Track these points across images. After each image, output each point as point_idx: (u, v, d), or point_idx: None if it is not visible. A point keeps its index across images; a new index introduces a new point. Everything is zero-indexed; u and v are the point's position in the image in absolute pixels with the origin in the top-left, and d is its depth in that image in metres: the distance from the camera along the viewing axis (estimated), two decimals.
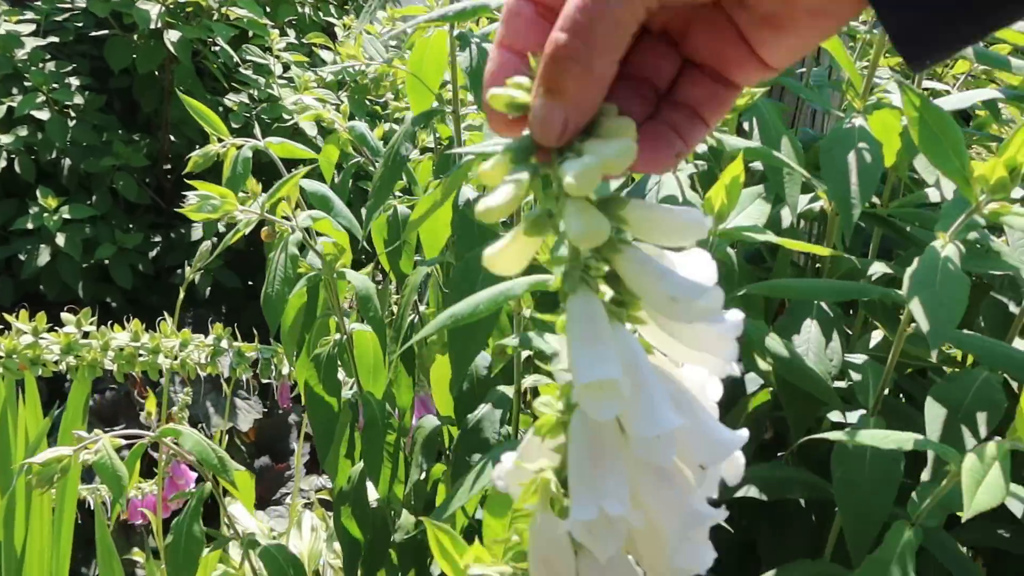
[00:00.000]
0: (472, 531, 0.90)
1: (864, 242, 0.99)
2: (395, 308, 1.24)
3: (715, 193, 0.69)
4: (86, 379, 1.23)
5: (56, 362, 1.20)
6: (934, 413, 0.75)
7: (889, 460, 0.75)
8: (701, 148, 0.86)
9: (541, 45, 0.36)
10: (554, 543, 0.43)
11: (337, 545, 1.80)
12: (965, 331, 0.76)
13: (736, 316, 0.41)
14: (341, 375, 1.00)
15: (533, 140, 0.37)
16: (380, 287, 1.16)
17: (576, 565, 0.43)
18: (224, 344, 1.24)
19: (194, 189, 2.57)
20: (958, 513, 0.76)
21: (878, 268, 0.85)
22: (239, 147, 1.01)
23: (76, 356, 1.20)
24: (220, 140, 1.05)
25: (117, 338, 1.21)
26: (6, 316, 1.20)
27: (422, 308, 1.08)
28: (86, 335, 1.22)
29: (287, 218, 0.91)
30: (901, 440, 0.66)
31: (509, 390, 0.87)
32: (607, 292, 0.40)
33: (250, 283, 2.79)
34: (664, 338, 0.42)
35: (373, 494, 1.05)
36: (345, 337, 0.95)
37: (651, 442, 0.39)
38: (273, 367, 1.27)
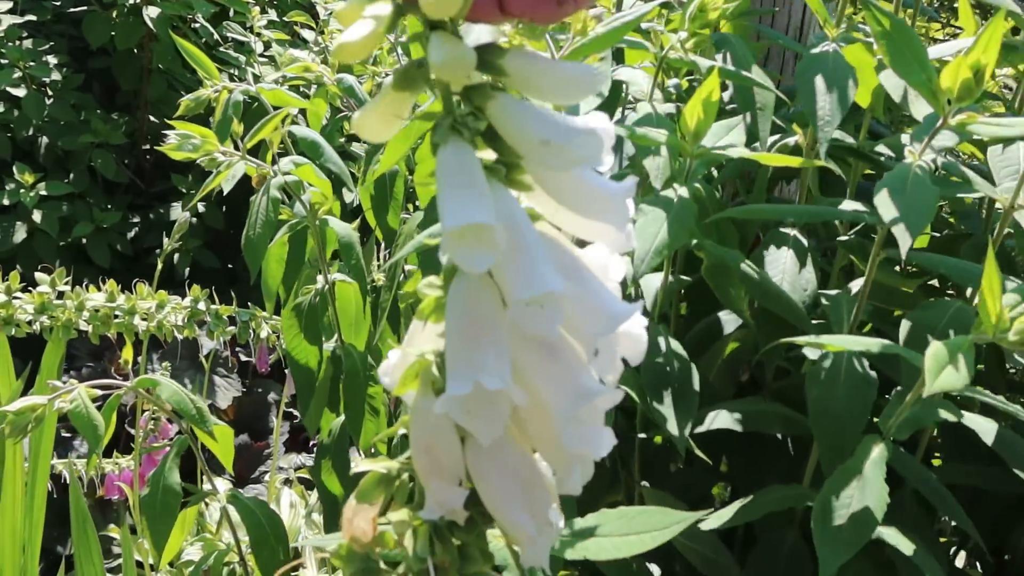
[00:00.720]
0: None
1: (841, 193, 0.98)
2: (378, 264, 1.22)
3: (690, 110, 0.68)
4: (60, 340, 1.20)
5: (30, 322, 1.17)
6: (909, 333, 0.74)
7: (861, 381, 0.73)
8: (673, 81, 0.85)
9: None
10: (435, 429, 0.39)
11: (317, 517, 1.79)
12: (939, 255, 0.76)
13: (630, 180, 0.39)
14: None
15: None
16: (365, 244, 1.14)
17: (463, 454, 0.40)
18: (201, 306, 1.22)
19: (170, 171, 2.52)
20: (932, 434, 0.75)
21: (851, 205, 0.84)
22: (230, 91, 0.99)
23: (50, 316, 1.17)
24: (213, 86, 1.02)
25: (92, 299, 1.19)
26: None
27: (408, 267, 1.07)
28: (61, 295, 1.19)
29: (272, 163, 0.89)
30: (868, 344, 0.65)
31: None
32: (488, 155, 0.37)
33: (230, 265, 2.76)
34: (552, 206, 0.39)
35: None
36: (327, 287, 0.93)
37: (530, 307, 0.35)
38: (251, 331, 1.25)
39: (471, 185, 0.35)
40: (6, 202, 2.33)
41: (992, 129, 0.66)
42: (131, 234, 2.63)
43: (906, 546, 0.69)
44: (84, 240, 2.46)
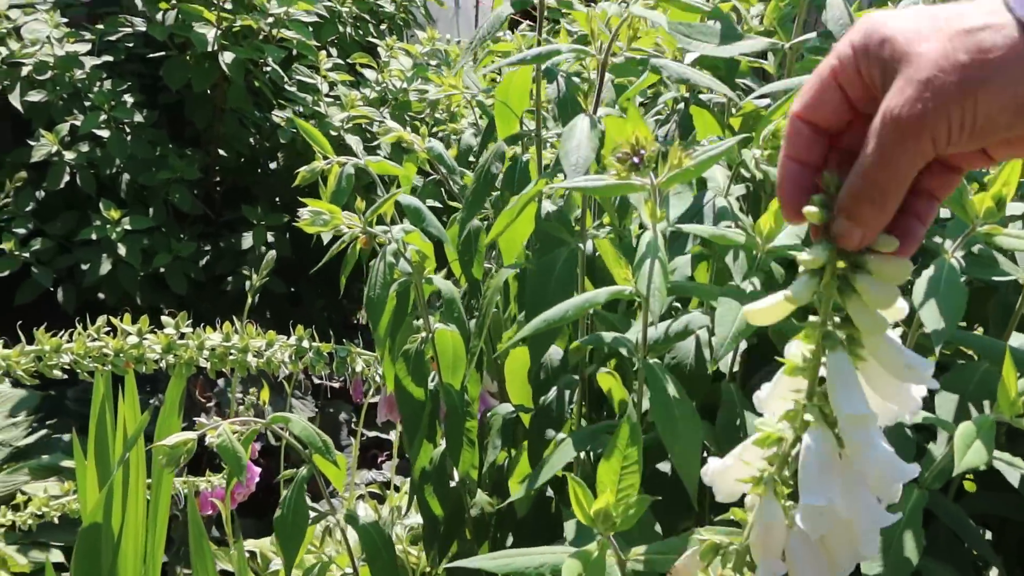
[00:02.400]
0: (542, 499, 1.03)
1: None
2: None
3: (764, 220, 0.82)
4: (182, 376, 1.37)
5: (157, 360, 1.33)
6: (943, 398, 0.87)
7: (903, 441, 0.87)
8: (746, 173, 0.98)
9: (820, 159, 0.53)
10: (776, 523, 0.62)
11: (395, 531, 1.93)
12: (968, 332, 0.89)
13: (929, 365, 0.60)
14: None
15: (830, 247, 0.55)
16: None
17: (787, 538, 0.62)
18: (305, 344, 1.37)
19: (239, 201, 2.69)
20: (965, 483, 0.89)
21: None
22: (342, 164, 1.13)
23: (175, 355, 1.33)
24: (325, 157, 1.17)
25: (211, 339, 1.34)
26: (112, 319, 1.33)
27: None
28: (182, 336, 1.35)
29: (384, 230, 1.04)
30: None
31: (575, 377, 1.00)
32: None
33: (292, 289, 2.92)
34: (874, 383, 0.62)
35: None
36: (430, 335, 1.07)
37: (870, 460, 0.59)
38: (348, 366, 1.40)
39: (855, 386, 0.58)
40: (93, 236, 2.50)
41: (1013, 242, 0.80)
42: (203, 261, 2.80)
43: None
44: (162, 269, 2.64)
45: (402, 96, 2.72)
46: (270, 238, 2.75)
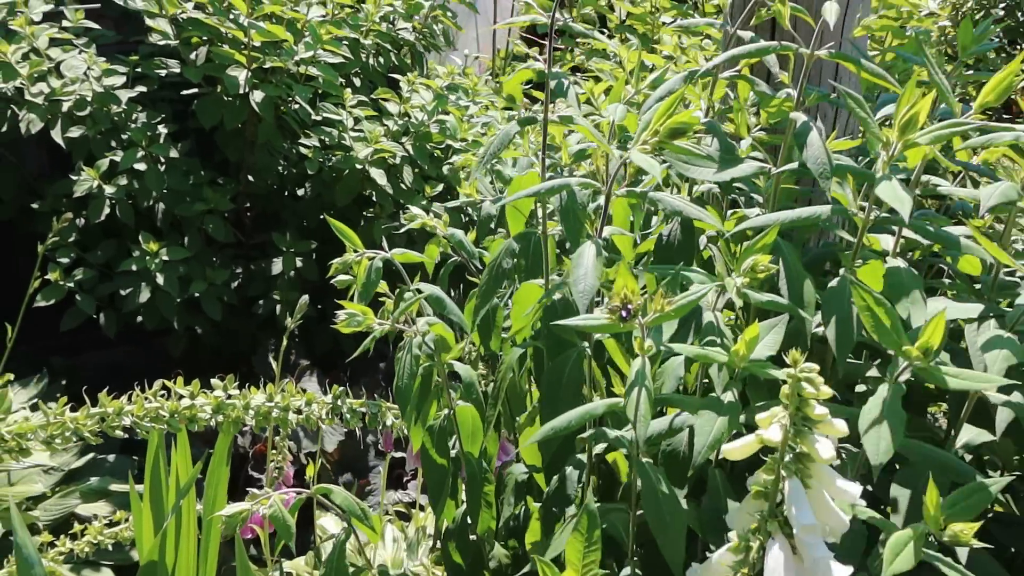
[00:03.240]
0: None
1: None
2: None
3: (740, 345, 0.95)
4: (230, 432, 1.52)
5: (207, 419, 1.48)
6: (898, 491, 1.00)
7: (857, 534, 1.01)
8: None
9: None
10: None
11: (421, 552, 2.09)
12: (912, 441, 1.02)
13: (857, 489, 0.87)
14: None
15: None
16: (470, 358, 1.43)
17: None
18: (340, 403, 1.52)
19: (268, 226, 2.81)
20: None
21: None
22: (371, 259, 1.26)
23: (223, 414, 1.48)
24: (355, 251, 1.30)
25: (255, 399, 1.49)
26: (167, 383, 1.48)
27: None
28: (230, 396, 1.50)
29: (410, 323, 1.18)
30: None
31: (583, 457, 1.14)
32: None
33: (319, 306, 3.07)
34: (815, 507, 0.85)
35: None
36: (451, 412, 1.22)
37: (818, 561, 0.82)
38: (379, 420, 1.54)
39: (806, 504, 0.82)
40: (134, 267, 2.66)
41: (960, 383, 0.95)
42: (234, 284, 2.95)
43: None
44: (197, 294, 2.79)
45: (423, 128, 2.85)
46: (298, 263, 2.90)
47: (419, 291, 1.26)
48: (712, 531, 1.02)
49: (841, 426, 0.87)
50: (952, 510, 0.87)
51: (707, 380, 1.07)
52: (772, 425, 0.89)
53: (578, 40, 3.27)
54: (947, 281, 1.34)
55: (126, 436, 1.46)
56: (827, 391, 0.87)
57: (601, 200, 1.08)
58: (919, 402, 1.21)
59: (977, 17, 2.09)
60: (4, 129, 2.81)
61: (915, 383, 1.24)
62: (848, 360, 1.07)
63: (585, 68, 3.17)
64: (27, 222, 3.01)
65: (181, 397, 1.46)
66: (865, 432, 0.91)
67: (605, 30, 3.31)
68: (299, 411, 1.51)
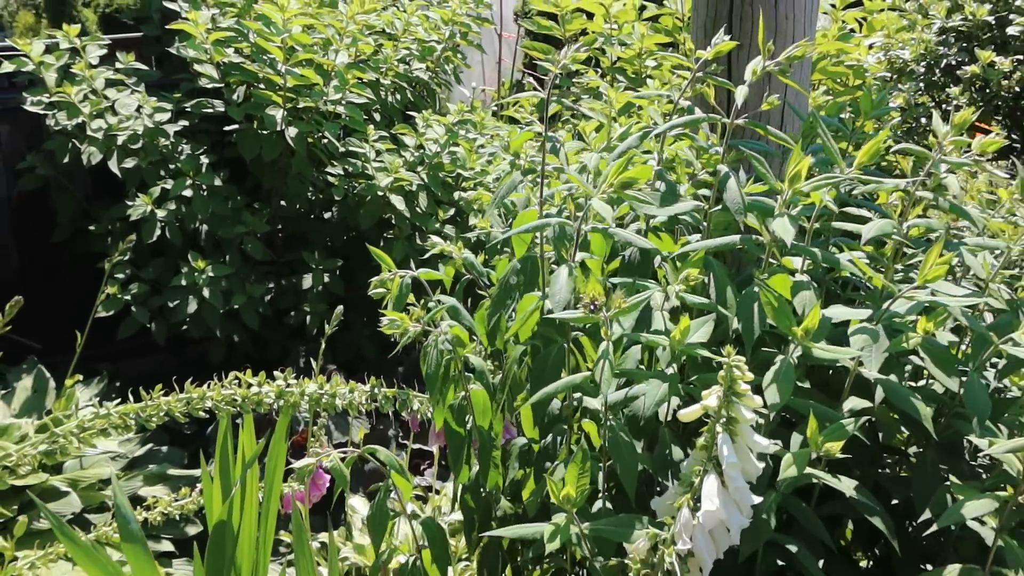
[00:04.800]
0: (544, 505, 1.54)
1: None
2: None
3: (676, 332, 1.31)
4: (288, 413, 1.88)
5: (271, 404, 1.85)
6: (796, 439, 1.37)
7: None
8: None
9: None
10: (687, 521, 1.23)
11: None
12: (801, 400, 1.38)
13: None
14: None
15: None
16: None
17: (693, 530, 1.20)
18: (376, 391, 1.88)
19: (298, 244, 3.22)
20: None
21: None
22: (403, 277, 1.62)
23: (284, 400, 1.84)
24: (389, 271, 1.65)
25: (309, 387, 1.86)
26: (237, 374, 1.85)
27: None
28: (288, 385, 1.86)
29: (436, 326, 1.54)
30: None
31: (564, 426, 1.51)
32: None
33: (343, 317, 3.43)
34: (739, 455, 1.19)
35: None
36: (467, 393, 1.58)
37: (739, 490, 1.22)
38: (408, 406, 1.90)
39: (732, 452, 1.19)
40: (183, 283, 3.03)
41: (821, 353, 1.30)
42: (268, 297, 3.32)
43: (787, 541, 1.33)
44: (236, 306, 3.16)
45: (437, 159, 3.23)
46: (325, 278, 3.27)
47: (440, 302, 1.62)
48: (661, 470, 1.37)
49: (758, 400, 1.24)
50: (826, 436, 1.24)
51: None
52: (711, 396, 1.26)
53: (573, 79, 3.64)
54: (863, 292, 1.70)
55: (187, 427, 1.81)
56: (750, 376, 1.23)
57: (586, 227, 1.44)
58: (830, 385, 1.57)
59: (893, 77, 2.45)
60: (66, 160, 3.20)
61: (832, 376, 1.62)
62: (764, 349, 1.43)
63: (582, 94, 3.53)
64: (81, 242, 3.39)
65: (250, 385, 1.83)
66: (765, 388, 1.27)
67: (599, 69, 3.67)
68: (344, 398, 1.87)
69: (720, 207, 1.47)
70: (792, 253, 1.42)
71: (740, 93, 1.45)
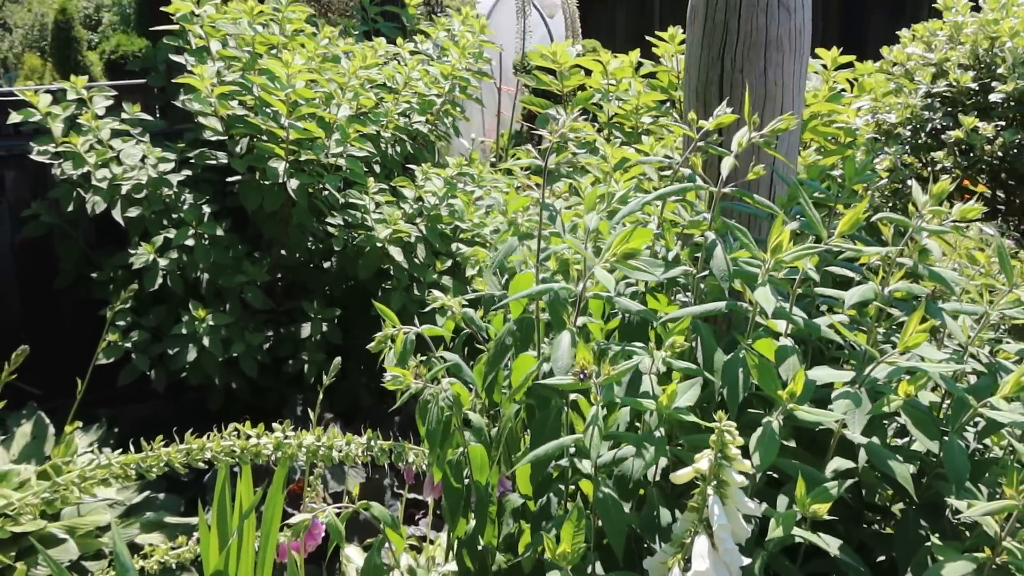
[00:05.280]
0: (539, 562, 1.57)
1: None
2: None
3: (664, 398, 1.36)
4: (286, 465, 1.91)
5: (269, 455, 1.88)
6: (782, 501, 1.41)
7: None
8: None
9: None
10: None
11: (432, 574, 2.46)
12: (787, 461, 1.42)
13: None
14: None
15: None
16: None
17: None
18: (373, 443, 1.92)
19: (297, 293, 3.26)
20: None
21: None
22: (406, 333, 1.66)
23: (282, 451, 1.88)
24: (393, 325, 1.69)
25: (307, 439, 1.89)
26: (236, 425, 1.88)
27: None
28: (287, 437, 1.90)
29: (437, 382, 1.58)
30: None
31: (562, 486, 1.55)
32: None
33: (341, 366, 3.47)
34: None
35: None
36: (466, 449, 1.62)
37: (728, 551, 1.24)
38: (403, 458, 1.94)
39: (723, 513, 1.22)
40: (184, 331, 3.07)
41: (805, 416, 1.34)
42: (266, 346, 3.36)
43: None
44: (235, 354, 3.20)
45: (435, 211, 3.29)
46: (324, 327, 3.31)
47: (443, 359, 1.66)
48: (648, 531, 1.41)
49: (748, 464, 1.28)
50: (812, 498, 1.28)
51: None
52: (703, 460, 1.30)
53: (572, 133, 3.71)
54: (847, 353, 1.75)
55: (185, 475, 1.84)
56: (740, 440, 1.28)
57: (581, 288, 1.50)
58: (817, 443, 1.62)
59: (881, 139, 2.53)
60: (71, 209, 3.25)
61: (818, 434, 1.66)
62: (751, 410, 1.48)
63: (578, 149, 3.60)
64: (83, 289, 3.44)
65: (249, 437, 1.87)
66: (753, 451, 1.32)
67: (596, 123, 3.75)
68: (340, 450, 1.91)
69: (704, 274, 1.53)
70: (776, 317, 1.47)
71: (726, 165, 1.51)
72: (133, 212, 3.22)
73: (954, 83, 2.42)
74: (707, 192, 1.59)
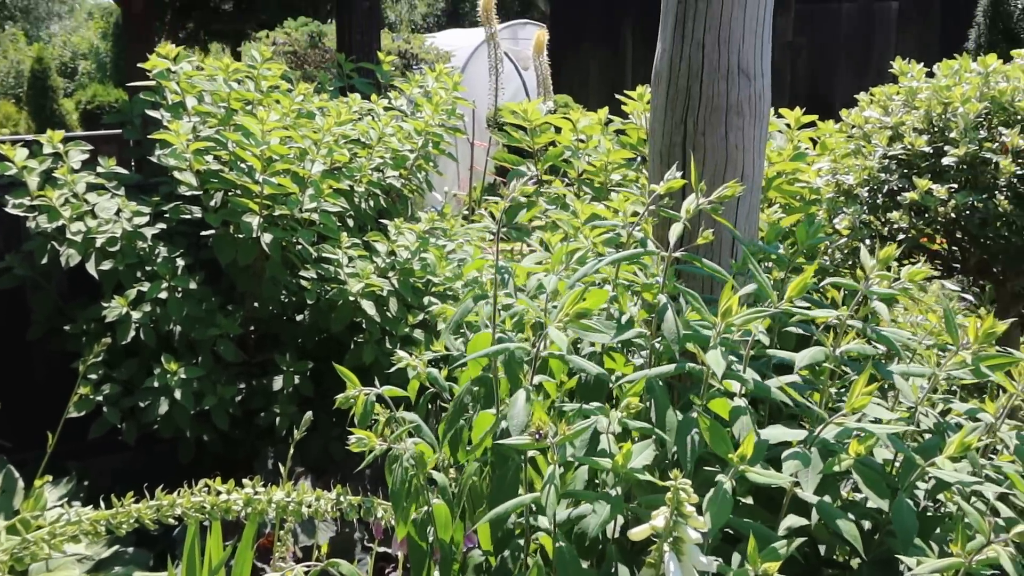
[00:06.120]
0: None
1: None
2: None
3: (619, 457, 1.40)
4: (255, 521, 1.93)
5: (239, 511, 1.90)
6: (736, 560, 1.45)
7: None
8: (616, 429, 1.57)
9: None
10: None
11: None
12: (739, 520, 1.46)
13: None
14: None
15: None
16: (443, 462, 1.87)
17: None
18: (342, 499, 1.94)
19: (270, 345, 3.27)
20: None
21: None
22: (367, 395, 1.70)
23: (252, 507, 1.90)
24: (355, 387, 1.74)
25: (276, 495, 1.92)
26: (207, 481, 1.91)
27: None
28: (256, 493, 1.92)
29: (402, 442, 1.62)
30: None
31: (521, 541, 1.58)
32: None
33: (313, 418, 3.49)
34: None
35: None
36: (429, 508, 1.65)
37: None
38: (372, 514, 1.96)
39: (679, 569, 1.25)
40: (156, 384, 3.09)
41: (756, 477, 1.39)
42: (238, 398, 3.38)
43: None
44: (207, 407, 3.21)
45: (407, 265, 3.33)
46: (296, 380, 3.34)
47: (404, 419, 1.70)
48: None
49: (703, 521, 1.32)
50: (763, 557, 1.32)
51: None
52: (659, 517, 1.34)
53: (542, 188, 3.78)
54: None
55: (155, 529, 1.86)
56: (695, 498, 1.32)
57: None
58: (775, 499, 1.66)
59: (843, 199, 2.61)
60: (45, 261, 3.28)
61: (775, 492, 1.70)
62: (707, 468, 1.52)
63: (548, 205, 3.67)
64: (56, 341, 3.45)
65: (219, 492, 1.89)
66: (706, 511, 1.36)
67: (566, 178, 3.82)
68: (310, 505, 1.93)
69: (657, 336, 1.58)
70: (728, 378, 1.52)
71: (674, 231, 1.57)
72: (107, 265, 3.24)
73: (909, 146, 2.50)
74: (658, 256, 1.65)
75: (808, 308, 1.71)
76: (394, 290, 3.30)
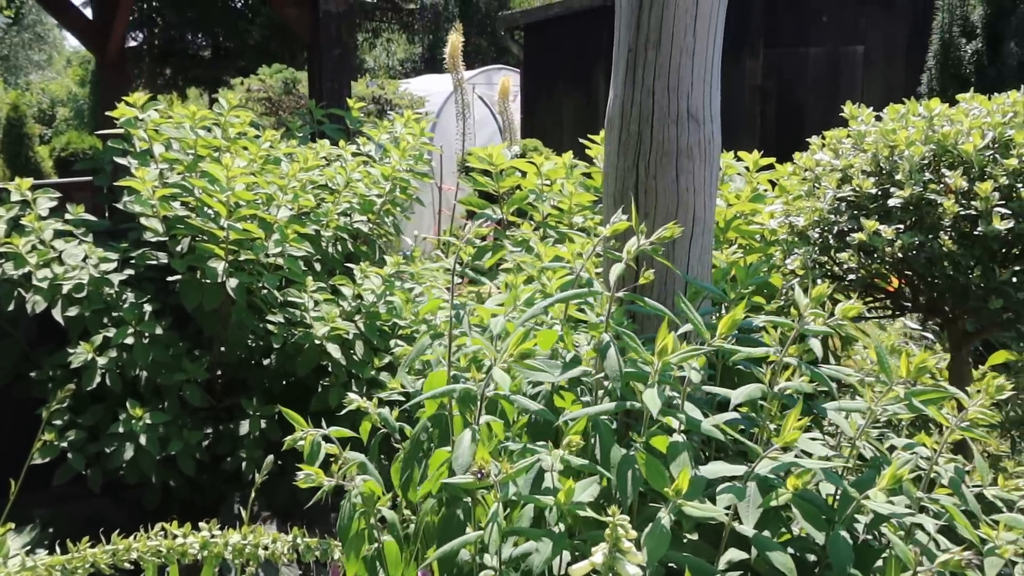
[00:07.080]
0: None
1: None
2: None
3: (562, 494, 1.44)
4: (212, 564, 1.95)
5: (195, 554, 1.92)
6: None
7: None
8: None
9: None
10: None
11: None
12: (678, 554, 1.50)
13: None
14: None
15: None
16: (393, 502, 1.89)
17: None
18: (299, 541, 1.96)
19: (237, 389, 3.29)
20: None
21: None
22: (314, 436, 1.73)
23: (208, 551, 1.92)
24: (303, 430, 1.77)
25: (233, 538, 1.94)
26: (164, 525, 1.92)
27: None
28: (213, 536, 1.94)
29: (351, 481, 1.65)
30: None
31: None
32: None
33: (279, 462, 3.50)
34: None
35: None
36: (380, 546, 1.68)
37: None
38: (329, 556, 1.98)
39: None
40: (121, 430, 3.10)
41: (692, 511, 1.42)
42: (205, 443, 3.39)
43: None
44: (173, 452, 3.22)
45: (373, 308, 3.37)
46: (263, 424, 3.35)
47: (349, 460, 1.73)
48: None
49: (641, 556, 1.35)
50: None
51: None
52: (598, 553, 1.37)
53: (508, 231, 3.84)
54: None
55: (112, 574, 1.88)
56: (633, 533, 1.35)
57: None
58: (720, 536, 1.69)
59: (796, 239, 2.68)
60: (11, 308, 3.29)
61: (718, 526, 1.73)
62: (651, 504, 1.56)
63: (513, 247, 3.72)
64: (21, 388, 3.46)
65: (175, 536, 1.91)
66: (643, 545, 1.39)
67: (532, 221, 3.88)
68: (267, 548, 1.95)
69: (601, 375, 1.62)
70: (664, 415, 1.56)
71: (614, 272, 1.62)
72: (73, 311, 3.26)
73: (857, 188, 2.57)
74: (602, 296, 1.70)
75: (753, 346, 1.76)
76: (360, 333, 3.33)
